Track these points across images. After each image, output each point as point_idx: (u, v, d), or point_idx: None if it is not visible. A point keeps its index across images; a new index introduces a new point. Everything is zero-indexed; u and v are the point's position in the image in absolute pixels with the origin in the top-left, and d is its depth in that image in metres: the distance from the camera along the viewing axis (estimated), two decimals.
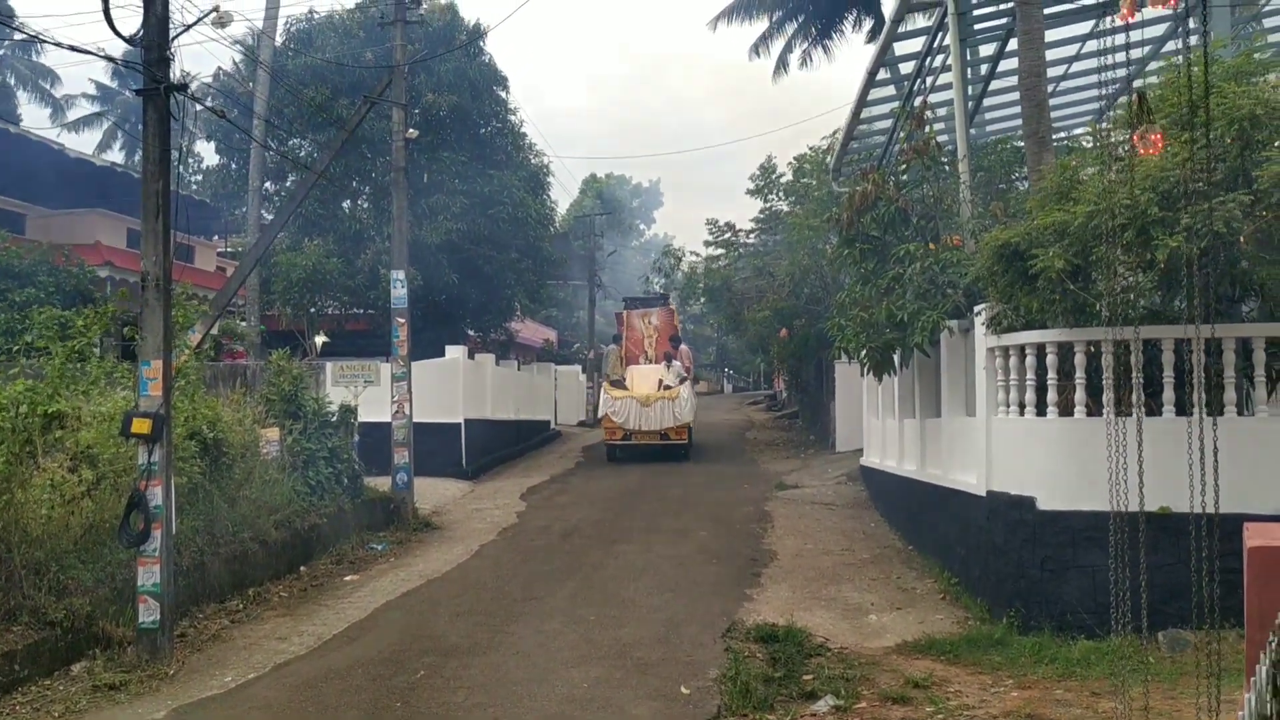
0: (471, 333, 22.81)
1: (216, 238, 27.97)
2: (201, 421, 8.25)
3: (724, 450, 21.71)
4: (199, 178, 24.93)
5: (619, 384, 21.21)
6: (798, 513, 12.43)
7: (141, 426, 6.44)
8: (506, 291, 21.31)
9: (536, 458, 20.56)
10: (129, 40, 6.59)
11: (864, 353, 9.40)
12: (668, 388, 20.64)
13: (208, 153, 37.43)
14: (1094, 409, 6.81)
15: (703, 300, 25.27)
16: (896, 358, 9.54)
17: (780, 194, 23.23)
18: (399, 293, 12.59)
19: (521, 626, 7.20)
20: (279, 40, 18.98)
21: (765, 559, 9.67)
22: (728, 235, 24.79)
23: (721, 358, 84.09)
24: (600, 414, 20.59)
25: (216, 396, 9.69)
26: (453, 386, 16.69)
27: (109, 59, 7.06)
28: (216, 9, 7.33)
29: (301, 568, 9.39)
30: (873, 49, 12.58)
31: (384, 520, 11.72)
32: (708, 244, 24.91)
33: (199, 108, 10.35)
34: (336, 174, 18.01)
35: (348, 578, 9.31)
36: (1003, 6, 11.22)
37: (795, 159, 22.55)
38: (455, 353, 17.10)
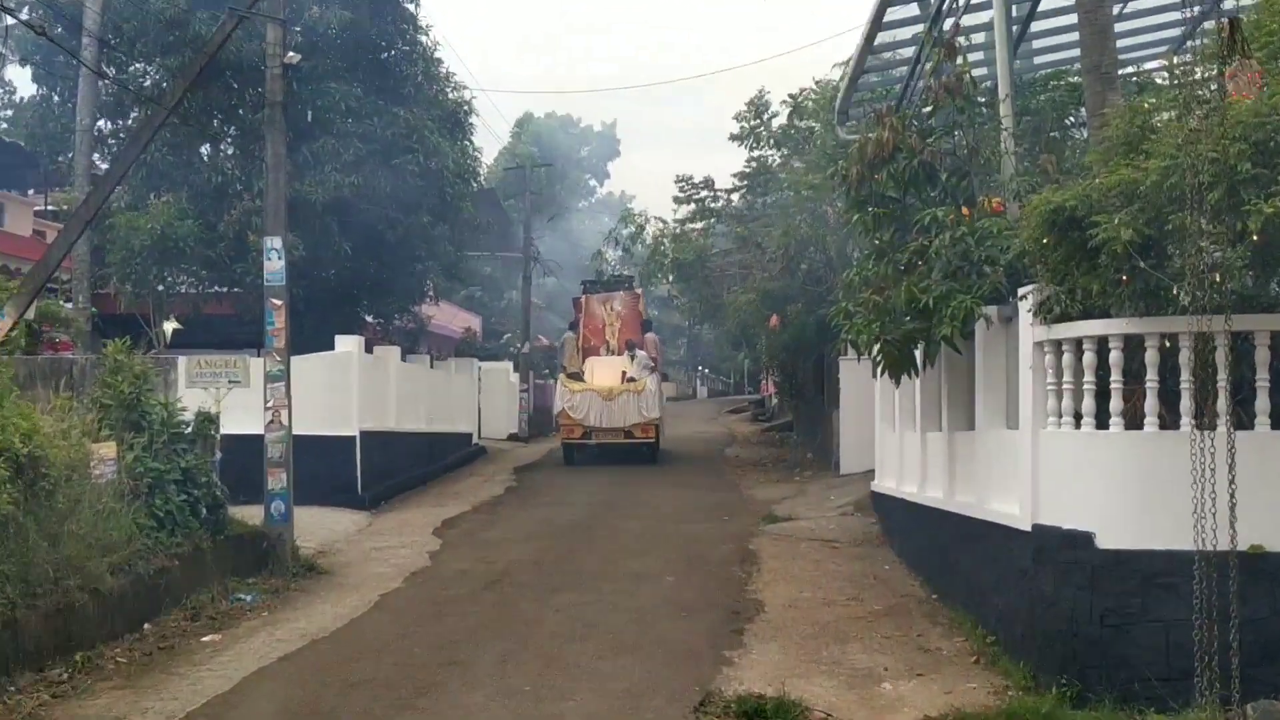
0: (370, 319, 22.90)
1: (33, 192, 27.39)
2: (12, 434, 7.93)
3: (698, 472, 22.04)
4: (9, 113, 24.39)
5: (577, 377, 23.46)
6: (791, 552, 12.58)
7: None
8: (416, 265, 21.43)
9: (455, 481, 20.76)
10: None
11: (877, 347, 9.43)
12: (632, 380, 22.81)
13: (22, 80, 36.39)
14: (1169, 420, 6.85)
15: (670, 279, 25.58)
16: (919, 354, 9.56)
17: (772, 142, 23.36)
18: (274, 266, 12.46)
19: (435, 701, 7.11)
20: None
21: (750, 611, 9.73)
22: (704, 195, 24.96)
23: (694, 353, 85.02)
24: (556, 410, 23.31)
25: (33, 400, 9.41)
26: (345, 389, 16.80)
27: None
28: None
29: (146, 625, 9.19)
30: None
31: (255, 563, 11.67)
32: (678, 204, 25.06)
33: (9, 21, 10.02)
34: (193, 110, 17.75)
35: (207, 638, 9.15)
36: None
37: (791, 96, 22.68)
38: (348, 345, 17.19)
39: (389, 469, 18.34)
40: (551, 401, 37.96)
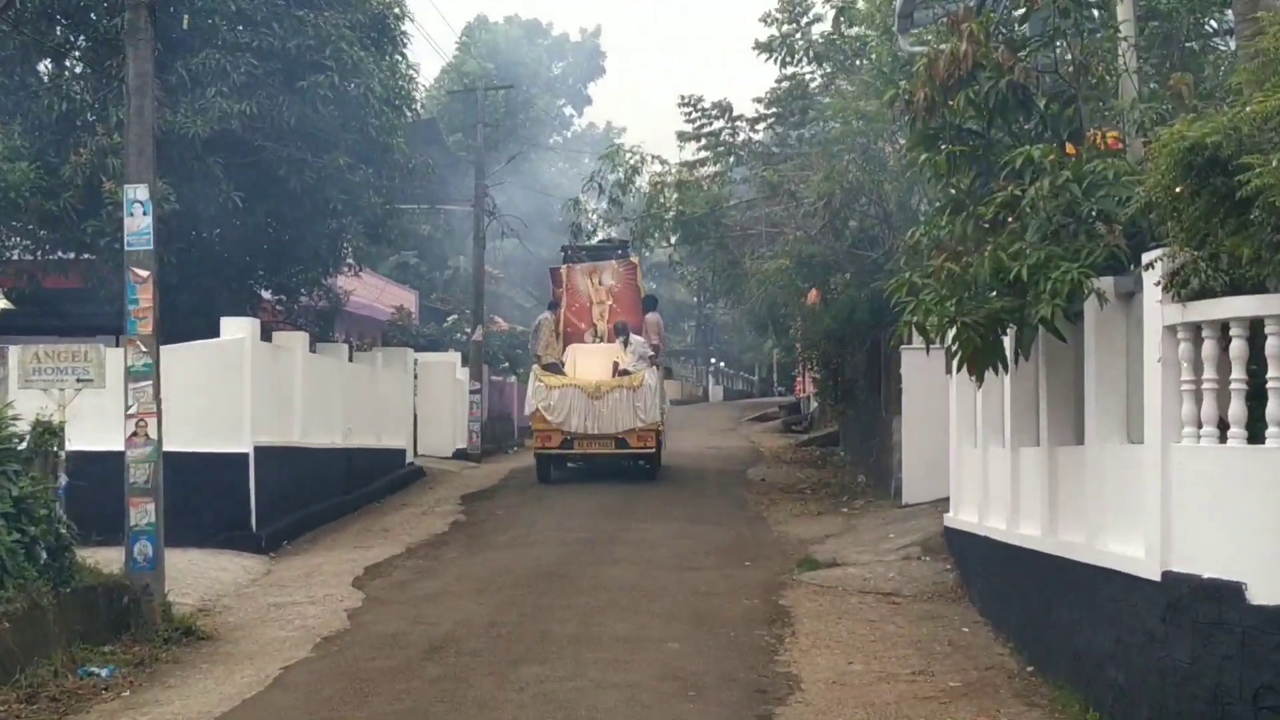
0: (268, 296, 23.08)
1: None
2: None
3: (710, 500, 22.37)
4: None
5: (555, 369, 24.70)
6: (837, 609, 12.69)
7: None
8: (330, 223, 21.51)
9: (383, 514, 21.03)
10: None
11: (952, 333, 9.45)
12: (625, 373, 24.04)
13: None
14: None
15: (673, 240, 25.76)
16: (1009, 342, 9.61)
17: (811, 56, 23.40)
18: (138, 224, 12.42)
19: None
20: None
21: (780, 690, 9.77)
22: (718, 125, 24.99)
23: (704, 340, 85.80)
24: (528, 410, 24.48)
25: None
26: (235, 390, 16.91)
27: None
28: None
29: None
30: None
31: (113, 624, 11.64)
32: (684, 140, 25.12)
33: None
34: (26, 14, 17.76)
35: None
36: None
37: None
38: (239, 330, 17.27)
39: (294, 498, 18.49)
40: (512, 406, 38.51)
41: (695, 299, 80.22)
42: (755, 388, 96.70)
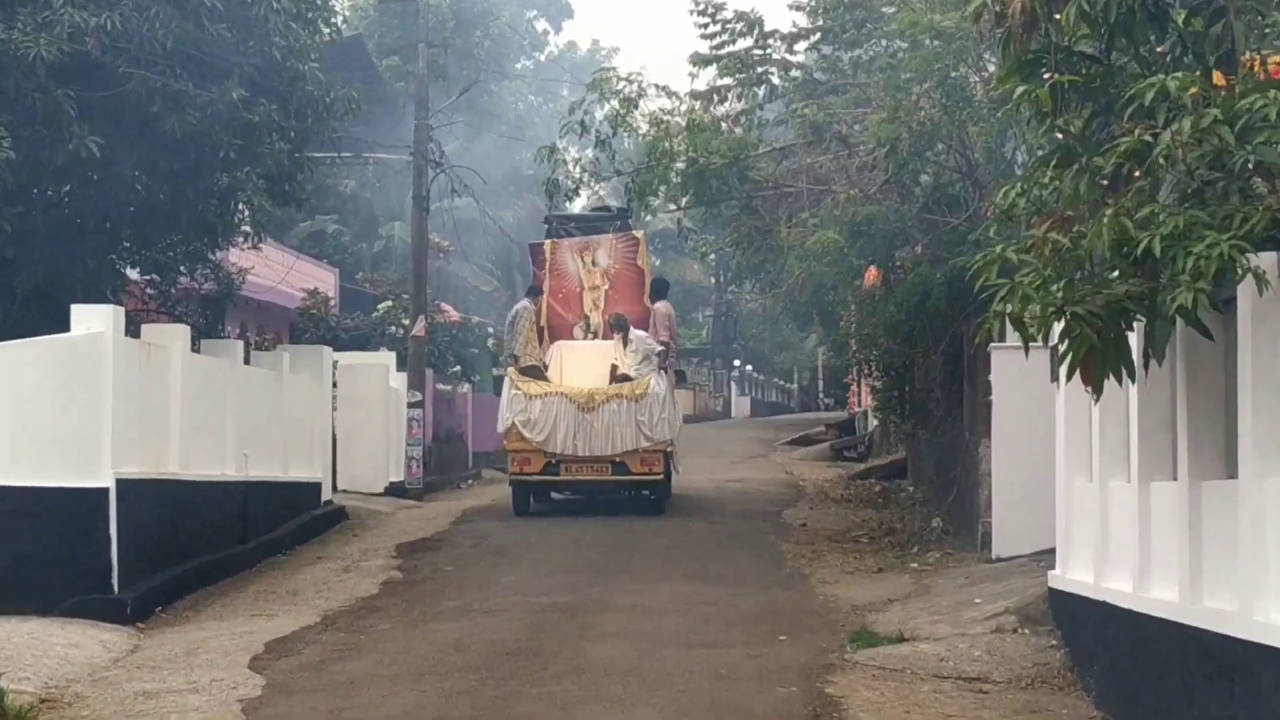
0: (135, 276, 23.43)
1: None
2: None
3: (732, 550, 22.50)
4: None
5: (536, 373, 26.11)
6: (904, 700, 12.74)
7: None
8: (219, 178, 21.57)
9: (292, 570, 21.04)
10: None
11: (1061, 328, 9.46)
12: (625, 379, 25.46)
13: None
14: None
15: (682, 201, 25.75)
16: (1135, 340, 9.71)
17: None
18: None
19: None
20: None
21: None
22: (744, 44, 25.02)
23: (724, 336, 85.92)
24: (502, 426, 26.01)
25: None
26: (90, 403, 16.97)
27: None
28: None
29: None
30: None
31: None
32: (697, 68, 25.09)
33: None
34: None
35: None
36: None
37: None
38: (95, 321, 17.32)
39: (172, 548, 18.50)
40: (465, 424, 38.59)
41: (713, 280, 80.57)
42: (794, 400, 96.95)
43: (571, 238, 28.00)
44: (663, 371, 25.25)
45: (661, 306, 26.97)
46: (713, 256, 29.68)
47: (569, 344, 26.85)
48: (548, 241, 28.28)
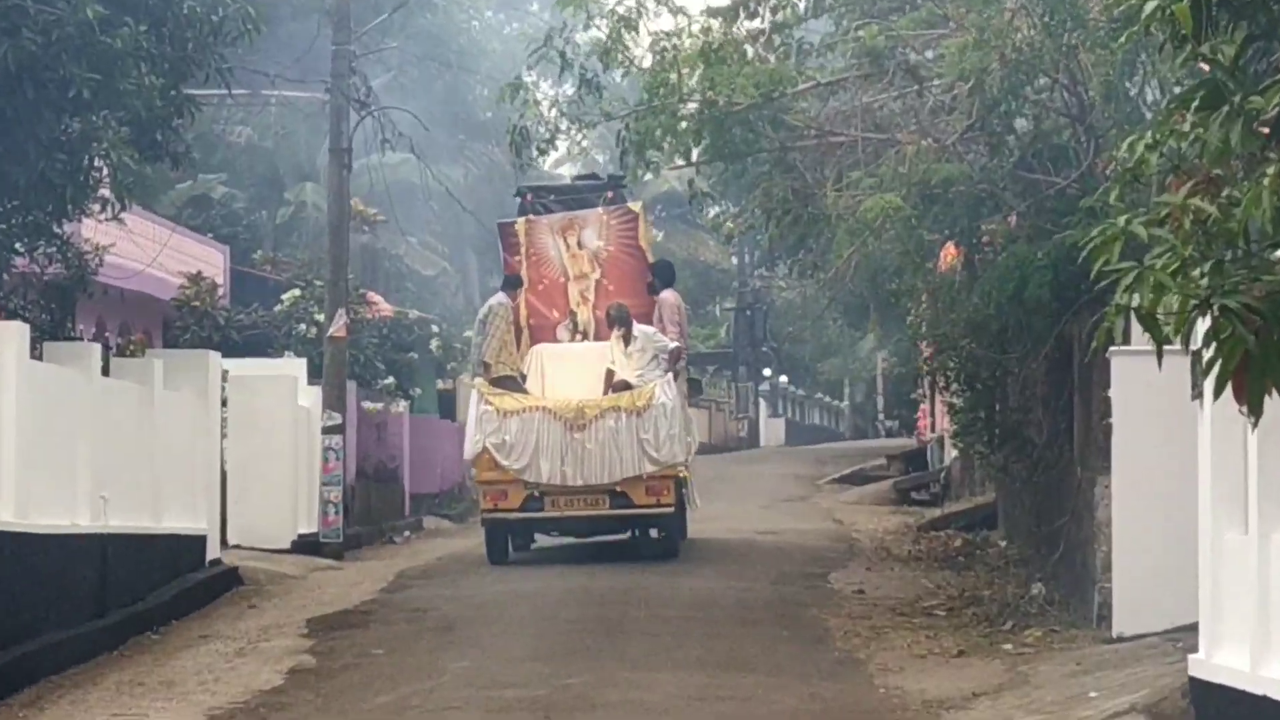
0: None
1: None
2: None
3: (761, 627, 22.54)
4: None
5: (511, 383, 27.57)
6: None
7: None
8: (67, 124, 21.71)
9: (166, 653, 21.03)
10: None
11: (1209, 327, 9.42)
12: (626, 386, 26.85)
13: None
14: None
15: (695, 154, 25.80)
16: None
17: None
18: None
19: None
20: None
21: None
22: None
23: (750, 336, 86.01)
24: (470, 451, 27.37)
25: None
26: None
27: None
28: None
29: None
30: None
31: None
32: None
33: None
34: None
35: None
36: None
37: None
38: None
39: (3, 624, 18.48)
40: (401, 455, 38.75)
41: (734, 261, 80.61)
42: (845, 423, 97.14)
43: (551, 214, 28.62)
44: (672, 375, 26.11)
45: (669, 296, 27.68)
46: (734, 230, 29.46)
47: (552, 347, 27.93)
48: (521, 220, 29.02)
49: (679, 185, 33.60)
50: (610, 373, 26.52)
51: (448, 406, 47.15)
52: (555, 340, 28.24)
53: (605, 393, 26.19)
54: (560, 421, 25.67)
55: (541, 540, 30.19)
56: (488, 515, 27.07)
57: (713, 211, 33.81)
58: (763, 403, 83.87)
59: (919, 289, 25.82)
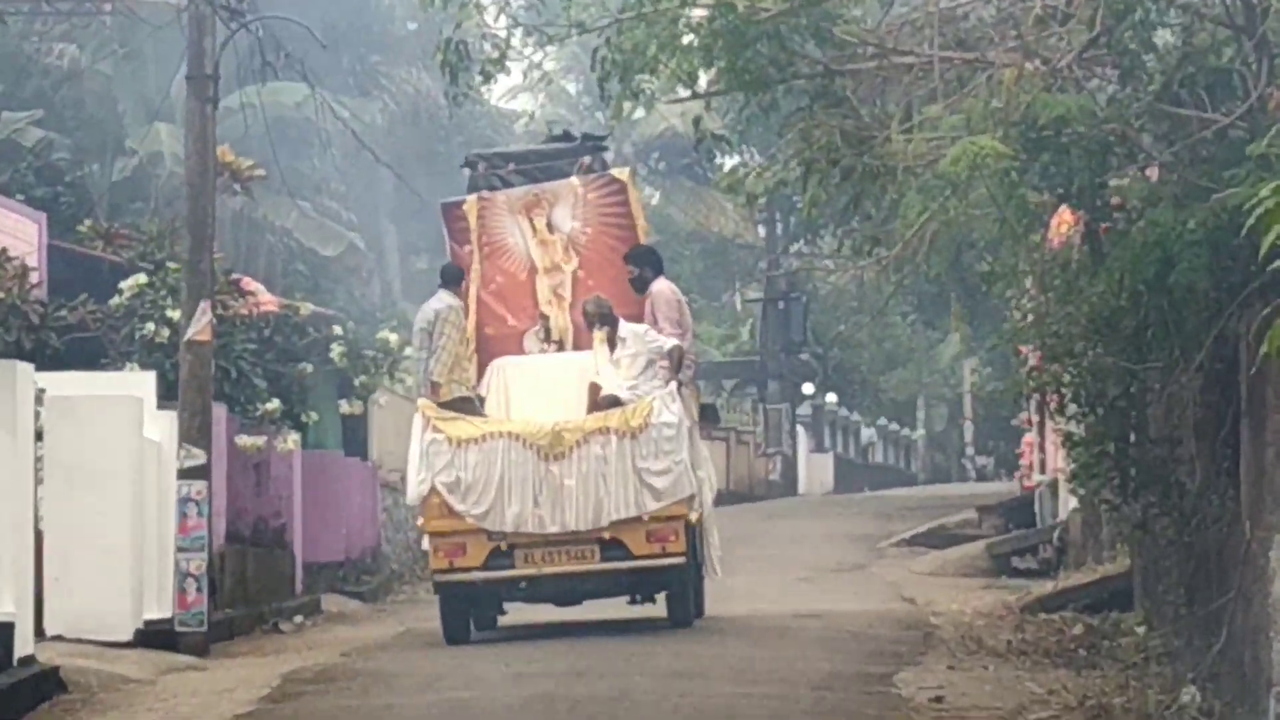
0: None
1: None
2: None
3: None
4: None
5: (466, 406, 29.21)
6: None
7: None
8: None
9: None
10: None
11: None
12: (615, 402, 28.34)
13: None
14: None
15: (703, 82, 25.75)
16: None
17: None
18: None
19: None
20: None
21: None
22: None
23: (783, 339, 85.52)
24: (415, 494, 29.02)
25: None
26: None
27: None
28: None
29: None
30: None
31: None
32: None
33: None
34: None
35: None
36: None
37: None
38: None
39: None
40: (290, 509, 38.67)
41: (761, 232, 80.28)
42: (918, 459, 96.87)
43: (512, 189, 29.51)
44: (676, 386, 27.01)
45: (662, 288, 28.48)
46: (752, 178, 29.34)
47: (517, 361, 29.23)
48: (472, 198, 30.08)
49: (681, 125, 33.68)
50: (594, 386, 27.47)
51: (356, 439, 47.36)
52: (521, 351, 29.11)
53: (589, 412, 27.14)
54: (532, 450, 26.58)
55: (514, 612, 31.05)
56: (441, 578, 27.87)
57: (730, 163, 33.65)
58: (802, 432, 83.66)
59: (1022, 271, 25.88)
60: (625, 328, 27.88)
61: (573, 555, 26.97)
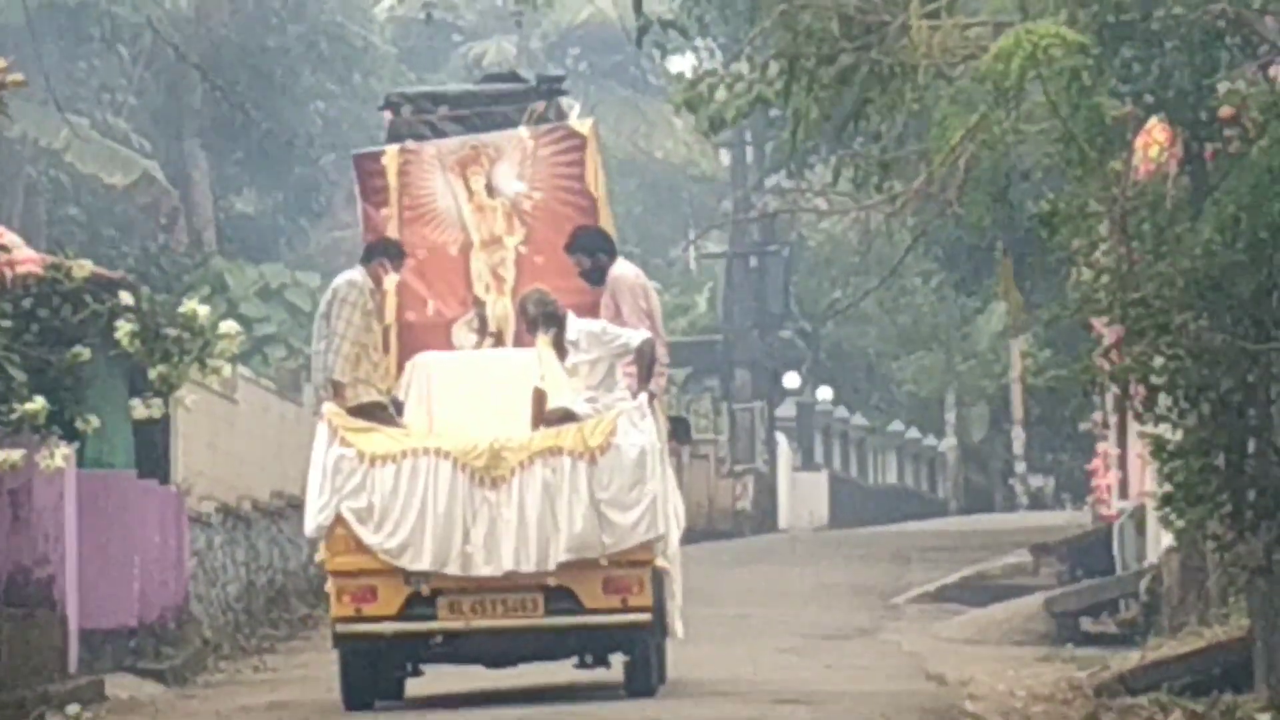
0: None
1: None
2: None
3: None
4: None
5: (379, 413, 31.60)
6: None
7: None
8: None
9: None
10: None
11: None
12: (569, 416, 30.73)
13: None
14: None
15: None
16: None
17: None
18: None
19: None
20: None
21: None
22: None
23: (755, 314, 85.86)
24: (314, 526, 31.56)
25: None
26: None
27: None
28: None
29: None
30: None
31: None
32: None
33: None
34: None
35: None
36: None
37: None
38: None
39: None
40: (57, 551, 38.51)
41: (726, 161, 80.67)
42: (949, 478, 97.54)
43: (444, 139, 30.99)
44: (648, 398, 28.61)
45: (625, 272, 30.05)
46: (715, 86, 29.70)
47: (444, 357, 31.54)
48: (393, 149, 31.53)
49: (614, 9, 34.23)
50: (539, 393, 28.79)
51: (151, 453, 46.72)
52: (450, 346, 30.69)
53: (535, 427, 28.97)
54: (463, 472, 28.55)
55: (430, 677, 32.43)
56: (344, 628, 29.58)
57: (684, 64, 34.02)
58: (783, 442, 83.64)
59: (1096, 214, 25.76)
60: (576, 327, 28.98)
61: (510, 606, 28.67)
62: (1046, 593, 47.38)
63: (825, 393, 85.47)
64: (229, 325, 42.95)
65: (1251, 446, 26.75)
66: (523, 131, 30.59)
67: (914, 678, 37.76)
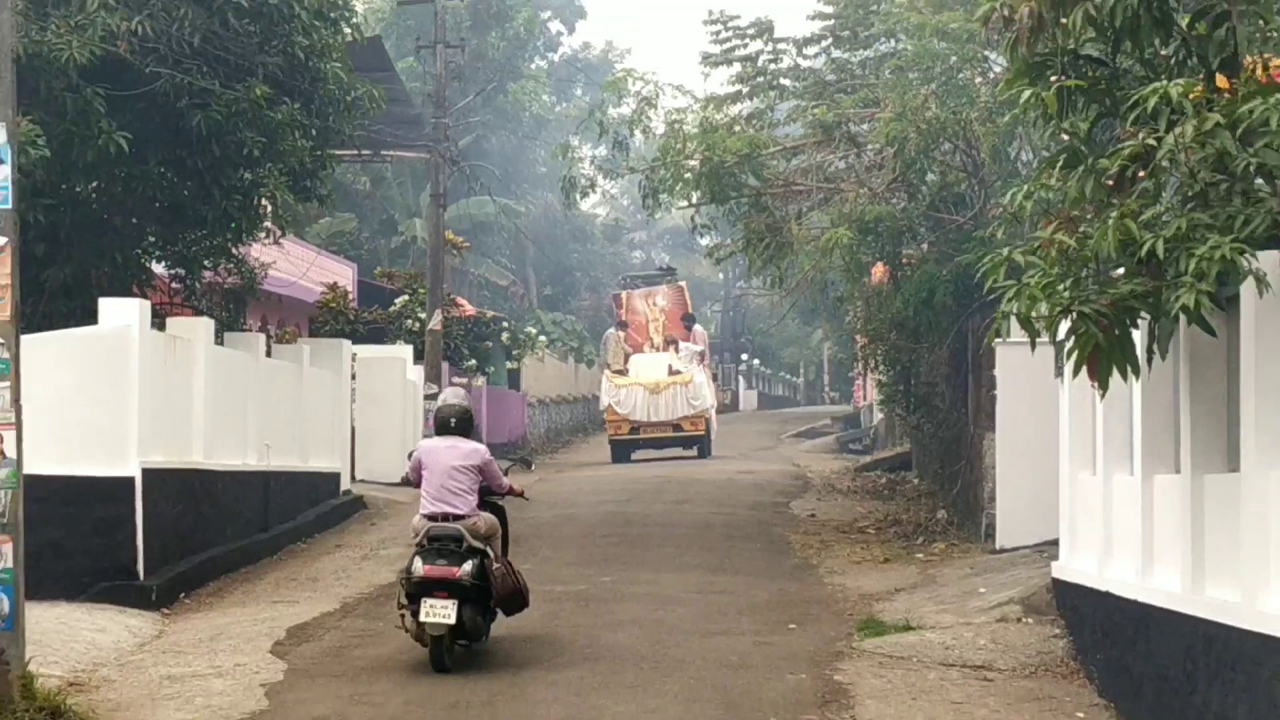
0: (161, 270, 25.23)
1: None
2: None
3: (742, 543, 24.20)
4: None
5: (621, 374, 42.15)
6: (910, 687, 13.57)
7: None
8: (242, 174, 22.95)
9: (311, 558, 22.69)
10: None
11: (1066, 326, 10.08)
12: (678, 373, 40.97)
13: None
14: None
15: (695, 197, 27.20)
16: (1139, 339, 10.31)
17: None
18: None
19: None
20: None
21: None
22: (755, 48, 26.56)
23: (733, 330, 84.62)
24: (602, 405, 43.30)
25: None
26: (117, 394, 18.03)
27: None
28: None
29: None
30: None
31: None
32: (710, 66, 26.97)
33: None
34: None
35: None
36: None
37: None
38: (123, 314, 18.21)
39: (195, 536, 19.96)
40: (480, 417, 39.12)
41: (721, 276, 78.95)
42: (800, 394, 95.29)
43: (639, 289, 43.36)
44: (703, 366, 40.02)
45: (698, 330, 42.95)
46: (721, 253, 28.73)
47: (641, 356, 43.07)
48: (624, 292, 43.86)
49: (683, 221, 34.14)
50: (670, 366, 41.70)
51: (514, 381, 50.44)
52: (642, 352, 43.40)
53: (668, 375, 40.94)
54: (647, 389, 40.08)
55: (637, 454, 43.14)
56: (612, 438, 41.43)
57: (707, 240, 33.54)
58: (741, 379, 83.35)
59: (856, 296, 29.11)
60: (682, 346, 41.14)
61: (662, 430, 40.39)
62: (836, 435, 53.31)
63: (757, 361, 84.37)
64: (541, 339, 52.90)
65: (911, 382, 28.61)
66: (663, 285, 44.39)
67: (788, 465, 40.54)
